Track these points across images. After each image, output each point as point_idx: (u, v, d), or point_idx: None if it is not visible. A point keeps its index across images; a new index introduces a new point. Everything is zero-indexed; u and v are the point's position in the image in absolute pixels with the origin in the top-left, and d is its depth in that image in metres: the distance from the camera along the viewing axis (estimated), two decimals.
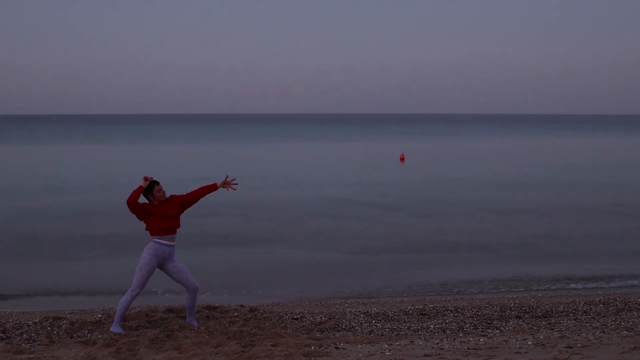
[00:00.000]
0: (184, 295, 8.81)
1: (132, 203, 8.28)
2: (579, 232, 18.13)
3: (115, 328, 8.44)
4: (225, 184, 8.76)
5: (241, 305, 10.16)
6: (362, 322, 9.25)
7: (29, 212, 21.07)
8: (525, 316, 9.65)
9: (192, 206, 8.77)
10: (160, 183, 8.52)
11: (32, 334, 8.46)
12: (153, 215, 8.36)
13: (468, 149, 57.91)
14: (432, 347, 7.60)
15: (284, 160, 44.69)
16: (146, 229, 8.46)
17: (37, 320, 9.06)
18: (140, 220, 8.48)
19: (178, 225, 8.51)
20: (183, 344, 7.72)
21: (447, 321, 9.30)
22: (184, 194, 8.68)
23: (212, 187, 8.70)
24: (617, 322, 9.15)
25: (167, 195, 8.59)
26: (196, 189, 8.73)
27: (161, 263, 8.46)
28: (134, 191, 8.33)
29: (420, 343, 7.86)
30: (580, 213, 21.30)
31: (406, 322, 9.28)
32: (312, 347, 7.58)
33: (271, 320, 9.19)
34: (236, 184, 8.82)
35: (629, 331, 8.53)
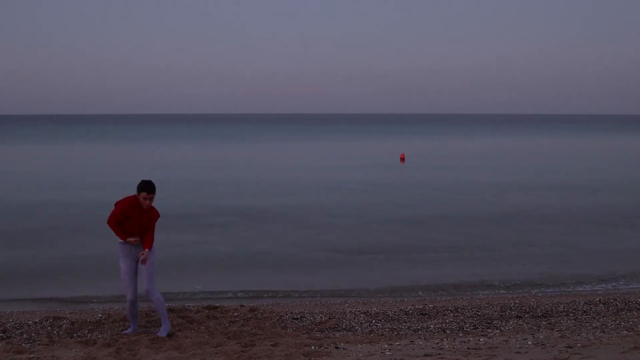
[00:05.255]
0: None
1: (112, 225, 8.17)
2: (579, 231, 18.15)
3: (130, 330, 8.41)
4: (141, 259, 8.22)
5: (241, 305, 10.17)
6: (362, 322, 9.25)
7: (28, 211, 21.06)
8: (525, 316, 9.65)
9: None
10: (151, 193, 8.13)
11: (32, 334, 8.47)
12: (131, 218, 8.16)
13: (468, 149, 57.90)
14: (432, 347, 7.60)
15: (283, 159, 44.68)
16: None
17: (37, 320, 9.07)
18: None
19: (139, 234, 8.25)
20: (183, 344, 7.73)
21: (447, 321, 9.30)
22: (154, 225, 8.35)
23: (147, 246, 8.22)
24: (617, 322, 9.16)
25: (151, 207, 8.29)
26: (151, 234, 8.26)
27: (135, 259, 8.28)
28: (116, 231, 8.17)
29: (420, 343, 7.87)
30: (580, 212, 21.29)
31: (406, 322, 9.29)
32: (312, 347, 7.59)
33: (271, 320, 9.19)
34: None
35: (629, 331, 8.53)
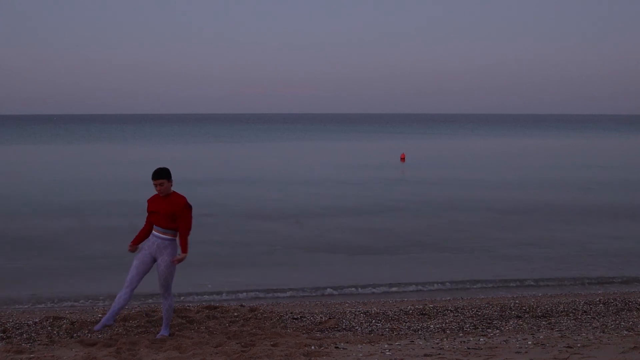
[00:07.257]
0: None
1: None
2: (579, 232, 18.14)
3: (106, 321, 8.12)
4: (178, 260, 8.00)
5: (241, 305, 10.17)
6: (362, 322, 9.25)
7: (27, 212, 21.07)
8: (525, 316, 9.66)
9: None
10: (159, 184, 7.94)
11: (32, 334, 8.46)
12: (151, 212, 8.07)
13: (468, 149, 57.90)
14: (432, 347, 7.60)
15: (283, 159, 44.68)
16: None
17: (37, 320, 9.07)
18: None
19: (164, 225, 7.93)
20: (183, 344, 7.72)
21: (447, 321, 9.31)
22: (188, 216, 7.96)
23: (182, 250, 7.98)
24: (617, 322, 9.16)
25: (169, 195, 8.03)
26: (185, 229, 7.93)
27: (154, 255, 7.99)
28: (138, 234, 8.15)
29: (420, 343, 7.87)
30: (578, 213, 21.30)
31: (406, 322, 9.29)
32: (312, 347, 7.59)
33: (271, 320, 9.19)
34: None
35: (629, 331, 8.53)
